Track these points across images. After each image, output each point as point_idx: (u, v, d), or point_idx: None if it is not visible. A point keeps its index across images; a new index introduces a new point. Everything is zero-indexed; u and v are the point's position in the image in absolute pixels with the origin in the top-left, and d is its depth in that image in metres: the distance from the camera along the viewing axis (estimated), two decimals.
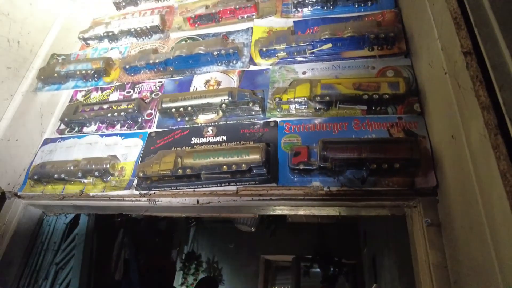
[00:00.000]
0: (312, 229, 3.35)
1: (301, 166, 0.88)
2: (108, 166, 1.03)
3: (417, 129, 0.92)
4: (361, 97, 0.96)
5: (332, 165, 0.86)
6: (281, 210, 1.00)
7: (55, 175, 1.06)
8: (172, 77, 1.24)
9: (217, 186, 0.96)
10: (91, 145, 1.15)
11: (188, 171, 0.94)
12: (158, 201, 1.03)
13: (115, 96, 1.25)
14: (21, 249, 1.19)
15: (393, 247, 1.68)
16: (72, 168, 1.06)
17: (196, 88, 1.18)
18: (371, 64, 1.07)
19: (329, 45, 1.10)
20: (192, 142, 1.06)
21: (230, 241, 2.91)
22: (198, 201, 1.00)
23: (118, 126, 1.17)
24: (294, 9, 1.25)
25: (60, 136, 1.23)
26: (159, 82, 1.24)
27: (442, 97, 0.78)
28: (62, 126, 1.24)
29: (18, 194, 1.13)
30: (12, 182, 1.16)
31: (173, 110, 1.08)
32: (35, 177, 1.09)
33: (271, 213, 1.02)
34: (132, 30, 1.36)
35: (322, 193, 0.89)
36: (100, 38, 1.43)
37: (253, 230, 1.96)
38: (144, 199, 1.02)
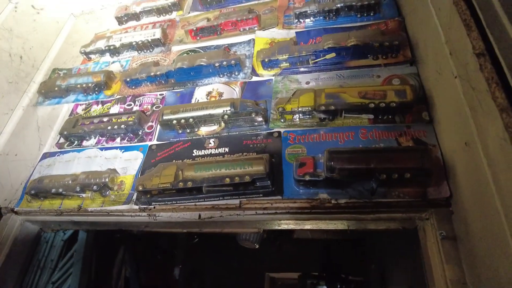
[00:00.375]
0: (318, 245, 3.26)
1: (307, 178, 0.84)
2: (107, 180, 1.00)
3: (427, 137, 0.89)
4: (367, 105, 0.93)
5: (339, 176, 0.82)
6: (286, 224, 0.96)
7: (53, 190, 1.03)
8: (173, 89, 1.22)
9: (219, 200, 0.93)
10: (91, 158, 1.12)
11: (189, 184, 0.91)
12: (158, 216, 0.99)
13: (115, 109, 1.23)
14: (17, 268, 1.15)
15: (404, 263, 1.61)
16: (70, 182, 1.03)
17: (198, 100, 1.16)
18: (376, 73, 1.05)
19: (333, 54, 1.08)
20: (193, 154, 1.03)
21: (234, 258, 2.83)
22: (199, 216, 0.96)
23: (118, 139, 1.14)
24: (296, 20, 1.24)
25: (59, 150, 1.20)
26: (160, 94, 1.22)
27: (453, 103, 0.75)
28: (62, 140, 1.22)
29: (15, 209, 1.09)
30: (9, 197, 1.13)
31: (174, 122, 1.05)
32: (32, 192, 1.06)
33: (276, 227, 0.98)
34: (134, 43, 1.36)
35: (329, 206, 0.85)
36: (101, 52, 1.43)
37: (257, 246, 1.89)
38: (144, 214, 0.99)
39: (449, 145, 0.81)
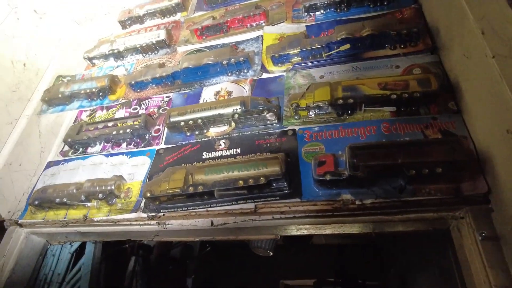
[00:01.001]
0: (332, 251, 3.15)
1: (328, 177, 0.77)
2: (113, 187, 0.94)
3: (456, 129, 0.81)
4: (389, 97, 0.86)
5: (364, 174, 0.75)
6: (306, 229, 0.89)
7: (57, 200, 0.98)
8: (180, 90, 1.17)
9: (232, 204, 0.86)
10: (96, 166, 1.07)
11: (200, 188, 0.85)
12: (168, 224, 0.93)
13: (121, 114, 1.18)
14: (23, 283, 1.09)
15: (428, 265, 1.51)
16: (74, 191, 0.98)
17: (206, 100, 1.10)
18: (395, 63, 0.98)
19: (347, 45, 1.01)
20: (203, 157, 0.97)
21: (247, 267, 2.75)
22: (212, 223, 0.89)
23: (124, 145, 1.09)
24: (306, 13, 1.18)
25: (63, 158, 1.15)
26: (166, 96, 1.17)
27: (487, 87, 0.68)
28: (66, 148, 1.17)
29: (19, 222, 1.04)
30: (13, 209, 1.08)
31: (182, 123, 1.00)
32: (36, 202, 1.01)
33: (295, 233, 0.91)
34: (138, 46, 1.32)
35: (353, 207, 0.78)
36: (105, 57, 1.39)
37: (271, 254, 1.81)
38: (153, 222, 0.92)
39: (484, 135, 0.73)
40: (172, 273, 1.84)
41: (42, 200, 1.00)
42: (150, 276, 1.70)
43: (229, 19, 1.23)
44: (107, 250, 1.26)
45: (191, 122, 0.99)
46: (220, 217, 0.88)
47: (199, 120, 0.99)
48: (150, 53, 1.33)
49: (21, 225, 1.05)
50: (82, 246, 1.21)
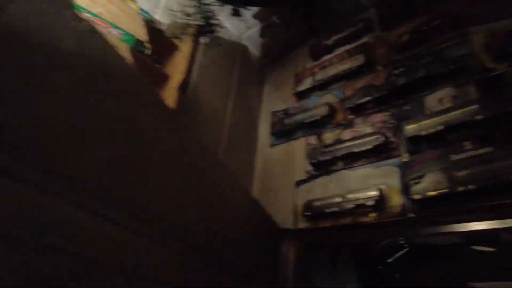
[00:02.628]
0: None
1: None
2: (377, 194, 1.12)
3: None
4: None
5: None
6: None
7: (326, 210, 1.22)
8: (395, 105, 1.30)
9: None
10: (344, 179, 1.29)
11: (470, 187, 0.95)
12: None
13: (347, 133, 1.39)
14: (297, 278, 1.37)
15: None
16: (341, 200, 1.20)
17: (431, 108, 1.20)
18: None
19: None
20: (451, 160, 1.07)
21: (432, 266, 2.65)
22: None
23: (364, 159, 1.28)
24: None
25: (309, 176, 1.42)
26: (386, 112, 1.32)
27: None
28: (308, 168, 1.44)
29: (295, 230, 1.33)
30: (284, 220, 1.38)
31: (424, 134, 1.12)
32: (308, 213, 1.27)
33: None
34: (342, 73, 1.52)
35: None
36: (311, 89, 1.65)
37: None
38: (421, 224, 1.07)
39: None
40: (382, 272, 1.97)
41: (312, 212, 1.27)
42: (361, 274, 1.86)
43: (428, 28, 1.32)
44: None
45: (432, 130, 1.11)
46: None
47: (440, 129, 1.10)
48: (353, 77, 1.52)
49: (296, 233, 1.34)
50: (335, 250, 1.45)
